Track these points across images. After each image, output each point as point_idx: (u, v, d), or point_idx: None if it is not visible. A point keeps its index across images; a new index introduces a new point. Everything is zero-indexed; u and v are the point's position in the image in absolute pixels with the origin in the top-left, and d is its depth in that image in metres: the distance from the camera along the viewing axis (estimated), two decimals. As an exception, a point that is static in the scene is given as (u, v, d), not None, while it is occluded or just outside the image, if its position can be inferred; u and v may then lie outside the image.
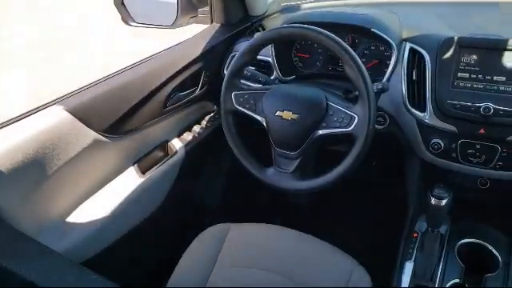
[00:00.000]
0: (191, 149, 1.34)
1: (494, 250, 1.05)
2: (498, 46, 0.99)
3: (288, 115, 0.96)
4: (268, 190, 1.81)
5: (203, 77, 1.34)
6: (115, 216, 1.08)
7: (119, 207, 1.09)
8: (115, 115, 1.08)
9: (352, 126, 0.91)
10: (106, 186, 1.10)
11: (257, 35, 1.00)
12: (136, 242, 1.18)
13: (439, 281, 1.01)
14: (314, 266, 1.02)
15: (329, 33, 0.91)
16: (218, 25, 1.40)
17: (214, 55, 1.36)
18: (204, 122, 1.42)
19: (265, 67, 1.30)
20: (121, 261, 1.17)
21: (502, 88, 0.98)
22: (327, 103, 0.95)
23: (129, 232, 1.14)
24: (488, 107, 0.95)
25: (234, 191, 1.69)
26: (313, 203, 1.88)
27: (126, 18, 1.33)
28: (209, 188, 1.58)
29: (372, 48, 1.21)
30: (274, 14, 1.57)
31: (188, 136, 1.35)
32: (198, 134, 1.37)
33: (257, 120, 1.02)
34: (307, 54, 1.31)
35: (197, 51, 1.29)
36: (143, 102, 1.15)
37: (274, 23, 1.50)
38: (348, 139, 0.94)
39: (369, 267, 1.01)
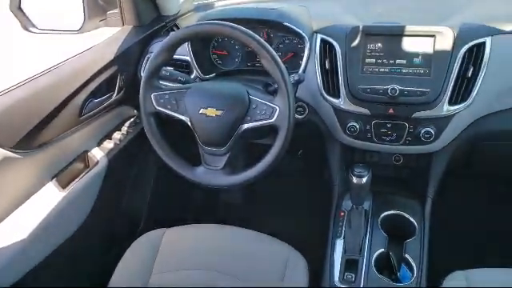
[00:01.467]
0: (114, 157, 1.28)
1: (411, 218, 1.15)
2: (398, 33, 1.08)
3: (212, 112, 0.97)
4: (200, 189, 1.81)
5: (119, 81, 1.29)
6: (38, 235, 1.00)
7: (41, 226, 1.01)
8: (25, 128, 1.00)
9: (274, 117, 0.94)
10: (23, 206, 1.02)
11: (171, 34, 0.99)
12: (65, 259, 1.11)
13: (367, 252, 1.09)
14: (253, 258, 1.04)
15: (244, 28, 0.93)
16: (131, 27, 1.35)
17: (128, 58, 1.31)
18: (125, 128, 1.36)
19: (184, 67, 1.29)
20: (52, 280, 1.10)
21: (404, 70, 1.07)
22: (249, 97, 0.97)
23: (56, 250, 1.08)
24: (394, 89, 1.04)
25: (165, 195, 1.66)
26: (246, 199, 1.91)
27: (26, 23, 1.23)
28: (137, 195, 1.52)
29: (286, 41, 1.25)
30: (187, 13, 1.56)
31: (109, 144, 1.29)
32: (120, 140, 1.31)
33: (181, 120, 1.01)
34: (225, 51, 1.32)
35: (109, 55, 1.24)
36: (55, 112, 1.07)
37: (189, 22, 1.49)
38: (272, 131, 0.97)
39: (305, 250, 1.06)
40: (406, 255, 1.07)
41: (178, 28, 1.43)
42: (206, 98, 0.98)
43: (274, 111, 0.94)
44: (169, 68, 1.16)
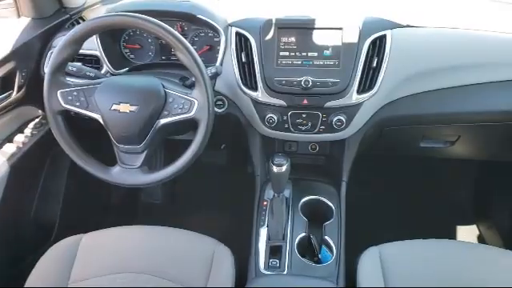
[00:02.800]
0: (17, 162, 1.16)
1: (328, 202, 1.22)
2: (309, 26, 1.12)
3: (126, 108, 0.92)
4: (119, 190, 1.72)
5: (19, 78, 1.17)
6: None
7: None
8: None
9: (193, 111, 0.93)
10: None
11: (77, 26, 0.92)
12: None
13: (289, 237, 1.13)
14: (178, 256, 1.02)
15: (157, 20, 0.90)
16: (29, 19, 1.24)
17: (28, 53, 1.20)
18: (29, 130, 1.25)
19: (93, 62, 1.22)
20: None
21: (316, 62, 1.12)
22: (165, 91, 0.94)
23: None
24: (307, 80, 1.08)
25: (80, 199, 1.55)
26: (167, 197, 1.87)
27: None
28: (49, 201, 1.41)
29: (201, 35, 1.24)
30: (94, 5, 1.47)
31: (10, 148, 1.17)
32: (23, 143, 1.20)
33: (92, 118, 0.95)
34: (138, 45, 1.27)
35: (4, 50, 1.12)
36: None
37: (96, 14, 1.40)
38: (192, 125, 0.96)
39: (231, 242, 1.07)
40: (326, 237, 1.13)
41: (83, 21, 1.34)
42: (118, 93, 0.93)
43: (192, 104, 0.93)
44: (76, 63, 1.08)
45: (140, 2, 1.23)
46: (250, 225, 1.18)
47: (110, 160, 0.99)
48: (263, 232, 1.15)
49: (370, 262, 1.02)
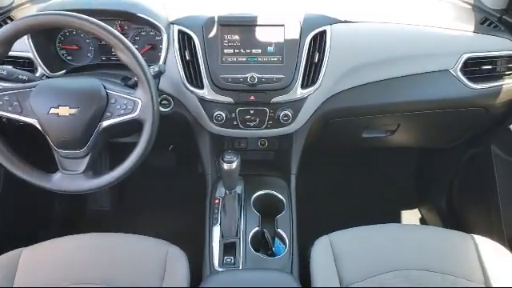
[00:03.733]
0: None
1: (279, 195, 1.24)
2: (251, 23, 1.13)
3: (65, 111, 0.88)
4: (62, 198, 1.64)
5: None
6: None
7: None
8: None
9: (137, 111, 0.91)
10: None
11: (4, 27, 0.86)
12: None
13: (243, 233, 1.14)
14: (131, 261, 1.00)
15: (94, 19, 0.86)
16: None
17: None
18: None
19: (26, 64, 1.14)
20: None
21: (260, 59, 1.13)
22: (107, 92, 0.91)
23: None
24: (253, 77, 1.09)
25: (19, 209, 1.46)
26: (116, 203, 1.81)
27: None
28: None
29: (142, 34, 1.21)
30: (24, 3, 1.38)
31: None
32: None
33: (27, 123, 0.89)
34: (75, 46, 1.22)
35: None
36: None
37: (26, 14, 1.32)
38: (137, 127, 0.93)
39: (185, 243, 1.05)
40: (279, 230, 1.15)
41: (12, 21, 1.26)
42: (56, 96, 0.89)
43: (136, 105, 0.90)
44: (6, 66, 1.02)
45: (75, 1, 1.18)
46: (203, 224, 1.18)
47: (50, 167, 0.94)
48: (216, 230, 1.15)
49: (321, 250, 1.05)
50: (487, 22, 1.28)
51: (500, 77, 1.24)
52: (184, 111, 1.19)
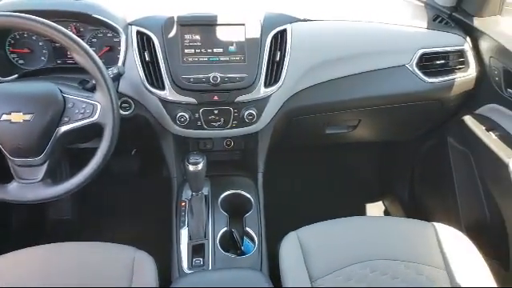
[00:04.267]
0: None
1: (247, 194, 1.25)
2: (212, 22, 1.12)
3: (18, 117, 0.84)
4: (20, 209, 1.57)
5: None
6: None
7: None
8: None
9: (97, 115, 0.88)
10: None
11: None
12: None
13: (211, 234, 1.13)
14: (97, 269, 0.97)
15: (47, 21, 0.83)
16: None
17: None
18: None
19: None
20: None
21: (222, 58, 1.13)
22: (63, 96, 0.88)
23: None
24: (215, 76, 1.09)
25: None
26: (77, 211, 1.75)
27: None
28: None
29: (99, 35, 1.18)
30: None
31: None
32: None
33: None
34: (27, 49, 1.16)
35: None
36: None
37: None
38: (97, 131, 0.91)
39: (153, 248, 1.04)
40: (247, 228, 1.15)
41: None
42: (7, 101, 0.85)
43: (95, 108, 0.88)
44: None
45: (27, 2, 1.13)
46: (170, 227, 1.16)
47: (6, 176, 0.90)
48: (184, 232, 1.14)
49: (290, 246, 1.06)
50: (439, 18, 1.34)
51: (452, 71, 1.30)
52: (146, 113, 1.17)
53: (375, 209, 1.93)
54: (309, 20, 1.23)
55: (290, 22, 1.18)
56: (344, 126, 1.46)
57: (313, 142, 1.63)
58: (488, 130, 1.28)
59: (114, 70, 0.98)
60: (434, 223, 1.14)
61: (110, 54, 1.17)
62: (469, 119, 1.34)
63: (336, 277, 1.01)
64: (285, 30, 1.15)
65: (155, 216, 1.35)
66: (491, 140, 1.24)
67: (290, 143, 1.56)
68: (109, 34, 1.17)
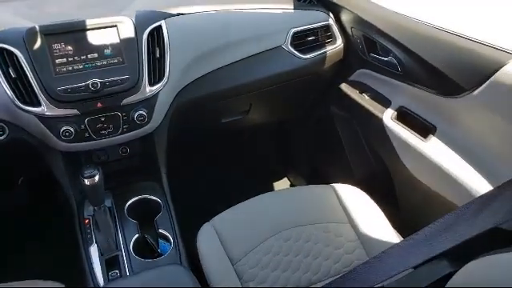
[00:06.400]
0: None
1: (153, 197, 1.22)
2: (80, 28, 1.06)
3: None
4: None
5: None
6: None
7: None
8: None
9: None
10: None
11: None
12: None
13: (123, 244, 1.09)
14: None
15: None
16: None
17: None
18: None
19: None
20: None
21: (99, 63, 1.08)
22: None
23: None
24: (95, 83, 1.03)
25: None
26: None
27: None
28: None
29: None
30: None
31: None
32: None
33: None
34: None
35: None
36: None
37: None
38: None
39: (62, 274, 0.96)
40: (160, 230, 1.13)
41: None
42: None
43: None
44: None
45: None
46: (77, 248, 1.09)
47: None
48: (93, 249, 1.07)
49: (206, 237, 1.07)
50: None
51: (323, 45, 1.42)
52: (23, 135, 1.07)
53: (282, 186, 2.03)
54: (183, 14, 1.23)
55: (164, 18, 1.17)
56: (237, 112, 1.51)
57: (211, 132, 1.66)
58: (361, 92, 1.43)
59: None
60: (333, 184, 1.25)
61: None
62: (344, 86, 1.48)
63: (255, 254, 1.05)
64: (160, 27, 1.14)
65: (59, 241, 1.25)
66: (365, 101, 1.39)
67: (189, 137, 1.56)
68: None
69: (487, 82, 0.97)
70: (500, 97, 0.95)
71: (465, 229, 0.67)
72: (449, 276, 0.68)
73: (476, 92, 1.00)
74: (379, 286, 0.82)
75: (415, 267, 0.80)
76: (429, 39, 1.11)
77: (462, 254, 0.69)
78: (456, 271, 0.66)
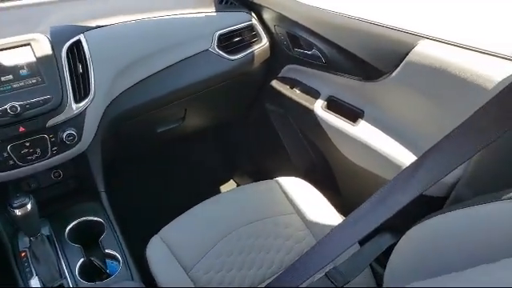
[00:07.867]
0: None
1: (95, 218, 1.16)
2: None
3: None
4: None
5: None
6: None
7: None
8: None
9: None
10: None
11: None
12: None
13: (68, 271, 1.03)
14: None
15: None
16: None
17: None
18: None
19: None
20: None
21: (15, 85, 1.00)
22: None
23: None
24: (14, 106, 0.96)
25: None
26: None
27: None
28: None
29: None
30: None
31: None
32: None
33: None
34: None
35: None
36: None
37: None
38: None
39: None
40: (107, 250, 1.09)
41: None
42: None
43: None
44: None
45: None
46: (16, 284, 1.01)
47: None
48: (34, 282, 1.00)
49: (155, 250, 1.05)
50: (224, 0, 1.46)
51: (249, 45, 1.45)
52: None
53: (228, 188, 2.04)
54: (102, 26, 1.19)
55: (83, 32, 1.13)
56: (173, 120, 1.49)
57: (148, 144, 1.62)
58: (291, 87, 1.47)
59: None
60: (277, 178, 1.28)
61: None
62: (275, 83, 1.52)
63: (208, 259, 1.05)
64: (79, 41, 1.10)
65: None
66: (296, 95, 1.44)
67: (126, 152, 1.51)
68: None
69: (402, 64, 1.05)
70: (414, 76, 1.04)
71: (396, 199, 0.72)
72: (392, 247, 0.73)
73: (394, 74, 1.08)
74: (331, 266, 0.86)
75: (360, 242, 0.84)
76: (345, 29, 1.17)
77: (400, 224, 0.74)
78: (398, 242, 0.71)
